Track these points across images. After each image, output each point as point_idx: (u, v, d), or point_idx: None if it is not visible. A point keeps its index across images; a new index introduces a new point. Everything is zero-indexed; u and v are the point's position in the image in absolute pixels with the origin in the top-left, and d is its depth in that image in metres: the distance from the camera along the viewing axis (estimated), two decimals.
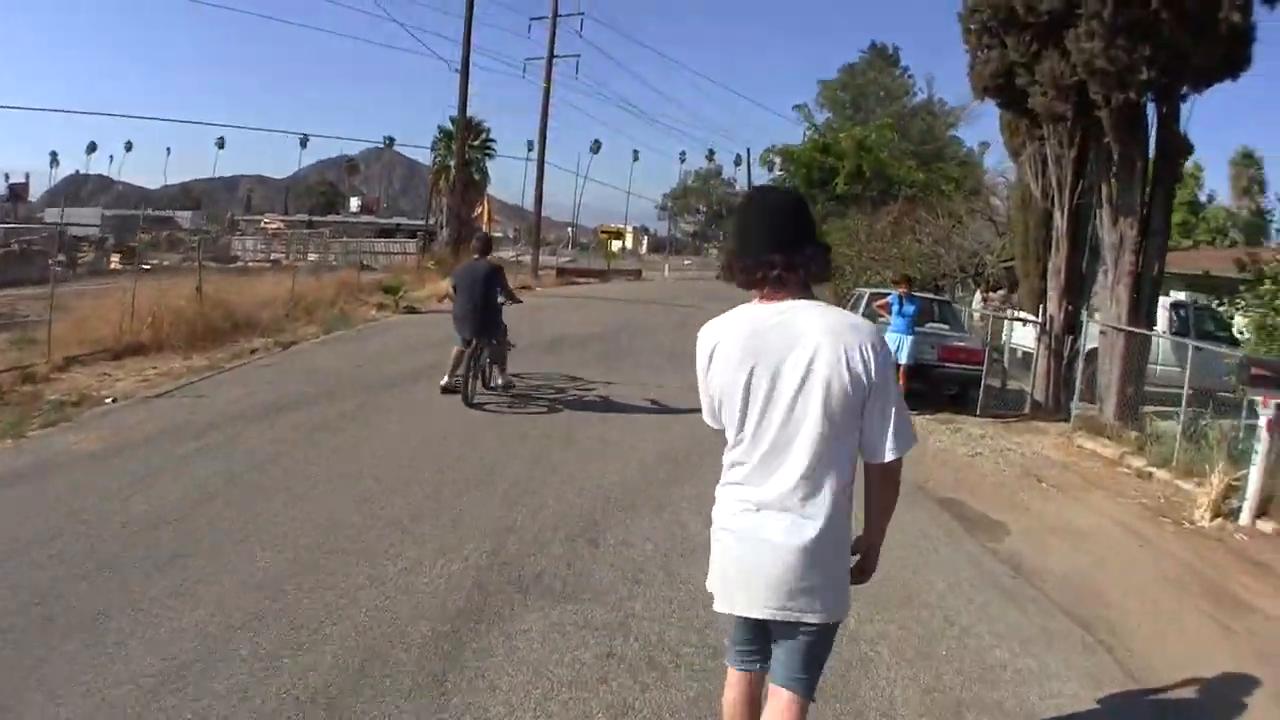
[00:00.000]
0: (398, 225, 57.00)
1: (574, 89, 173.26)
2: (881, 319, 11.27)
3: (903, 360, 9.78)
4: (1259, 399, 6.42)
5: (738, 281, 2.03)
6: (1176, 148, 8.90)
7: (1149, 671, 3.76)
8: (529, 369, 10.04)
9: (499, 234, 65.25)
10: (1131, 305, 9.33)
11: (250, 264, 33.99)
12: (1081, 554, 5.45)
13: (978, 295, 18.63)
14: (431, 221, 48.32)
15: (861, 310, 11.46)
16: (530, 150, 35.97)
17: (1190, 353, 8.37)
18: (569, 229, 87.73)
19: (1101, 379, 9.64)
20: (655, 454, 6.78)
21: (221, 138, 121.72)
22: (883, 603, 4.02)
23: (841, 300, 17.73)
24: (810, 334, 1.92)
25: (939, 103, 36.35)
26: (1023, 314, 15.03)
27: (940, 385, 10.84)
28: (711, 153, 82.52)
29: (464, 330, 8.03)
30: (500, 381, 8.55)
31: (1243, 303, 11.64)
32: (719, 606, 2.12)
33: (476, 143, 42.53)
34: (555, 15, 31.26)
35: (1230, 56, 8.37)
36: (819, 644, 2.08)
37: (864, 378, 1.92)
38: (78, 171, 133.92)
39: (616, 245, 51.87)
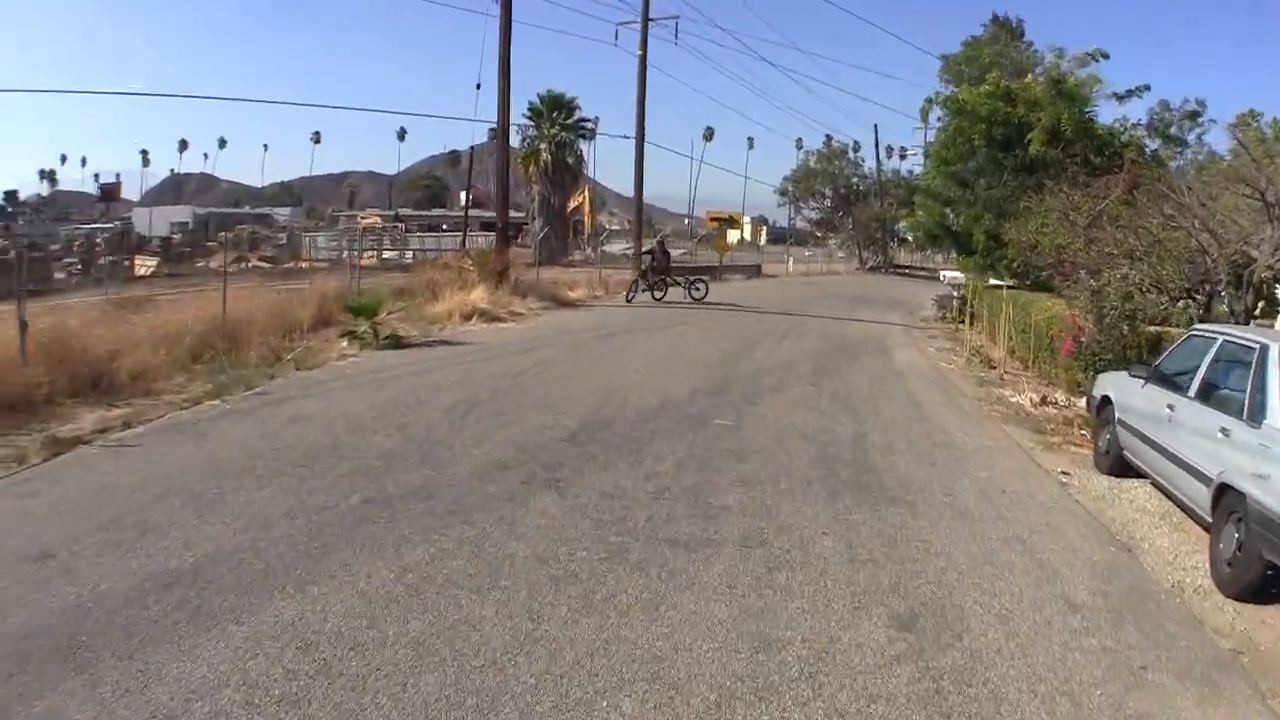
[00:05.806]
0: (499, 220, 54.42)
1: (680, 65, 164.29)
2: None
3: None
4: None
5: None
6: None
7: None
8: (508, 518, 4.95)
9: (614, 226, 56.87)
10: None
11: (300, 266, 28.49)
12: None
13: None
14: (523, 215, 41.73)
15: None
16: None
17: None
18: (685, 220, 78.63)
19: None
20: None
21: (317, 132, 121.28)
22: None
23: (1115, 342, 9.65)
24: None
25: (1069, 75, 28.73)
26: None
27: None
28: (829, 138, 74.86)
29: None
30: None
31: None
32: None
33: (569, 121, 36.80)
34: None
35: None
36: None
37: None
38: (173, 171, 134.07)
39: (733, 236, 43.41)
